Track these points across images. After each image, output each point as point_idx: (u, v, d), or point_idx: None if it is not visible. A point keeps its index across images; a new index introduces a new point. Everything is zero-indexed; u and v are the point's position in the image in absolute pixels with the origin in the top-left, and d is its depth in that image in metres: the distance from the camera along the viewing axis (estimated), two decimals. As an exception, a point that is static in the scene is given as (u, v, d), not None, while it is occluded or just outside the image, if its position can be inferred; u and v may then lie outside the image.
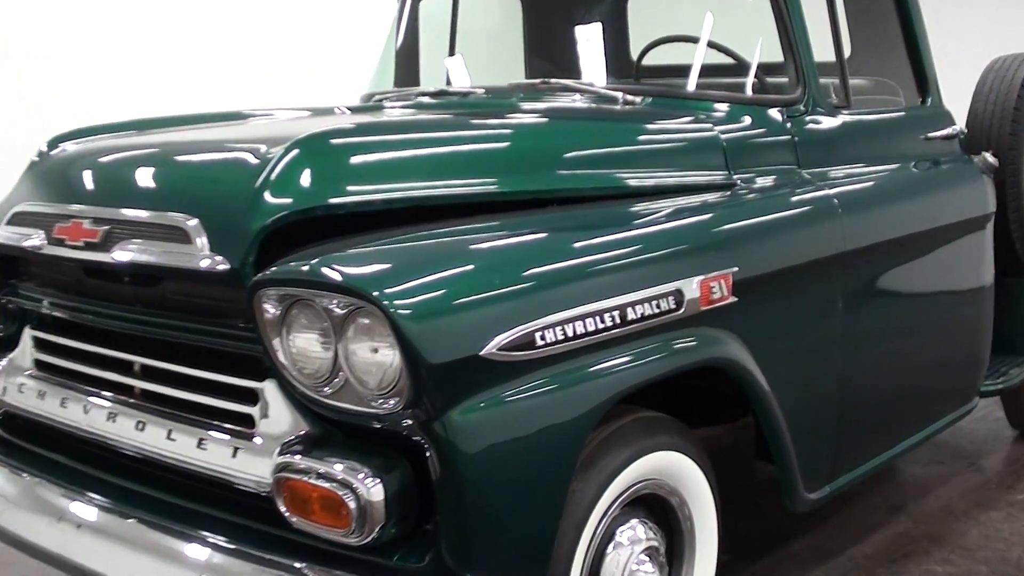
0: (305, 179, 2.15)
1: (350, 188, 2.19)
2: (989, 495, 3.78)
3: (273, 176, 2.13)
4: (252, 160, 2.20)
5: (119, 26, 4.89)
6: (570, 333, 2.06)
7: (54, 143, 2.75)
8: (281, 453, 2.07)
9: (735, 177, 2.74)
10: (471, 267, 2.02)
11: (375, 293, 1.87)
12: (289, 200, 2.13)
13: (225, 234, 2.13)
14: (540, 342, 2.01)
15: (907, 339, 3.18)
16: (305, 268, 1.97)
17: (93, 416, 2.46)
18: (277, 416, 2.13)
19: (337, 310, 1.95)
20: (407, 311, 1.86)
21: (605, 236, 2.26)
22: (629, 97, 2.95)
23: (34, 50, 4.63)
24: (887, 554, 3.31)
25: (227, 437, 2.20)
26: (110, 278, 2.39)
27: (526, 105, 3.01)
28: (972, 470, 4.03)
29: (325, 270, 1.94)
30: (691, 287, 2.32)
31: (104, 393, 2.46)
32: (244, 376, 2.18)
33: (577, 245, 2.20)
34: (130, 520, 2.31)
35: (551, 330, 2.03)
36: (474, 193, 2.32)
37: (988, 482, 3.92)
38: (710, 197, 2.62)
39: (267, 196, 2.12)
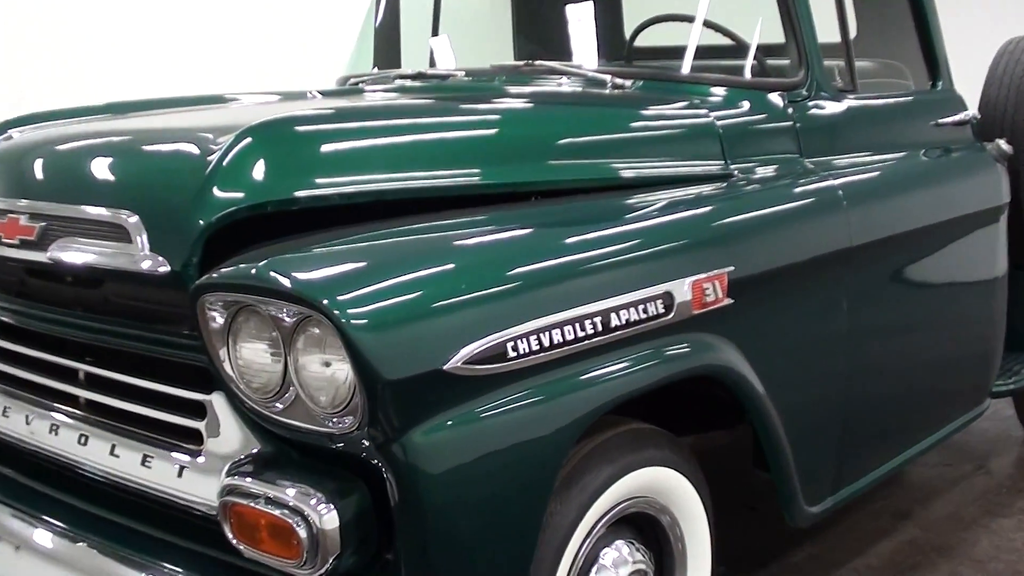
0: (257, 171, 1.94)
1: (308, 181, 1.98)
2: (1000, 500, 3.59)
3: (221, 168, 1.93)
4: (200, 150, 2.00)
5: (120, 26, 4.87)
6: (546, 343, 1.86)
7: (0, 130, 2.56)
8: (229, 474, 1.89)
9: (732, 167, 2.54)
10: (435, 270, 1.81)
11: (325, 301, 1.67)
12: (239, 194, 1.93)
13: (168, 232, 1.94)
14: (512, 353, 1.81)
15: (916, 339, 2.99)
16: (251, 272, 1.77)
17: (35, 427, 2.28)
18: (226, 432, 1.94)
19: (286, 319, 1.76)
20: (360, 321, 1.66)
21: (586, 234, 2.06)
22: (618, 80, 2.75)
23: (35, 50, 4.62)
24: (892, 565, 3.13)
25: (173, 454, 2.02)
26: (52, 278, 2.20)
27: (507, 89, 2.80)
28: (982, 473, 3.84)
29: (272, 274, 1.74)
30: (682, 289, 2.12)
31: (47, 403, 2.27)
32: (191, 387, 1.99)
33: (554, 244, 2.00)
34: (80, 544, 2.14)
35: (525, 340, 1.83)
36: (445, 186, 2.11)
37: (999, 486, 3.73)
38: (704, 189, 2.42)
39: (214, 190, 1.91)
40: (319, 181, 1.99)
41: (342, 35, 5.07)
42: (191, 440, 1.99)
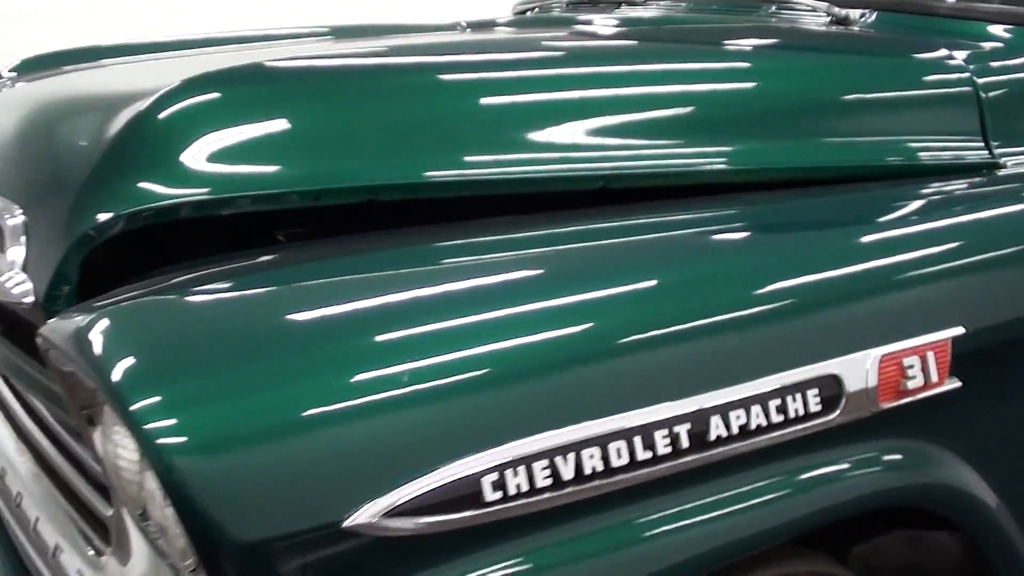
0: (174, 155, 1.26)
1: (252, 170, 1.28)
2: None
3: (117, 149, 1.27)
4: (110, 120, 1.34)
5: (122, 28, 4.67)
6: (567, 473, 1.08)
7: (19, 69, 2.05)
8: (117, 612, 1.26)
9: (999, 152, 1.61)
10: (369, 339, 1.06)
11: (133, 406, 0.97)
12: (151, 187, 1.25)
13: (47, 242, 1.31)
14: (494, 494, 1.04)
15: None
16: (55, 326, 1.11)
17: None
18: (134, 541, 1.31)
19: None
20: (180, 439, 0.96)
21: (670, 267, 1.25)
22: (840, 11, 1.86)
23: (35, 51, 4.53)
24: None
25: (85, 550, 1.42)
26: None
27: (671, 24, 1.98)
28: None
29: (73, 337, 1.06)
30: (859, 370, 1.25)
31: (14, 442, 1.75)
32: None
33: (600, 293, 1.17)
34: None
35: (518, 471, 1.05)
36: (475, 180, 1.35)
37: None
38: (939, 189, 1.52)
39: (105, 183, 1.26)
40: (267, 170, 1.28)
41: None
42: (101, 535, 1.39)
